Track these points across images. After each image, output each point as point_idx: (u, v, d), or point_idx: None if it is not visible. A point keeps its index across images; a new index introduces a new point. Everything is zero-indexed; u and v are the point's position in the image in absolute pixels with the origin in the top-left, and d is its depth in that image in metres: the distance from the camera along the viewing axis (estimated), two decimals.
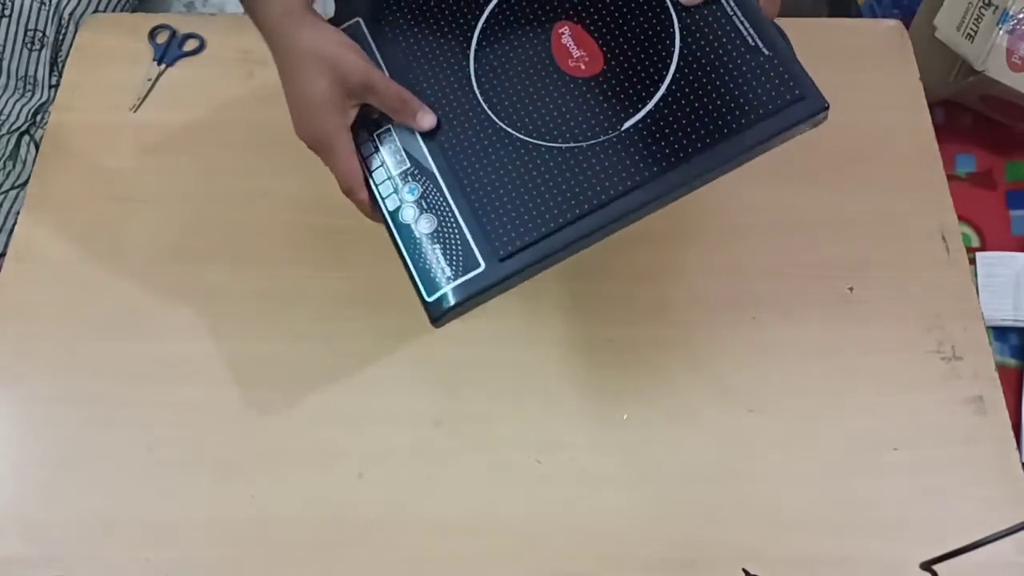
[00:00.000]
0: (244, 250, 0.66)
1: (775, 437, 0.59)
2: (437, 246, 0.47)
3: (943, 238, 0.66)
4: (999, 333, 0.89)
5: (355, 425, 0.59)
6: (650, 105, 0.46)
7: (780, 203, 0.67)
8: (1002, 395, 0.60)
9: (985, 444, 0.59)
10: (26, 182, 1.13)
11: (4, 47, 1.27)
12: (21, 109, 1.25)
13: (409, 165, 0.49)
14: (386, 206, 0.49)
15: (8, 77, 1.28)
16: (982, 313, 0.63)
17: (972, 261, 0.92)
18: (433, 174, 0.48)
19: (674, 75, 0.46)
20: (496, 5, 0.50)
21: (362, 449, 0.59)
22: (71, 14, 1.34)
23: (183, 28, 0.75)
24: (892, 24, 0.75)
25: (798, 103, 0.43)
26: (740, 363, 0.61)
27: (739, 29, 0.45)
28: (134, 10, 1.50)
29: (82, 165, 0.69)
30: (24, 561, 0.55)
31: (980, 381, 0.60)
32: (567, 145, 0.47)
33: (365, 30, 0.52)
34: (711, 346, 0.62)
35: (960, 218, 0.66)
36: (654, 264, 0.65)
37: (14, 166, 1.20)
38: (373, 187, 0.50)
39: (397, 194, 0.49)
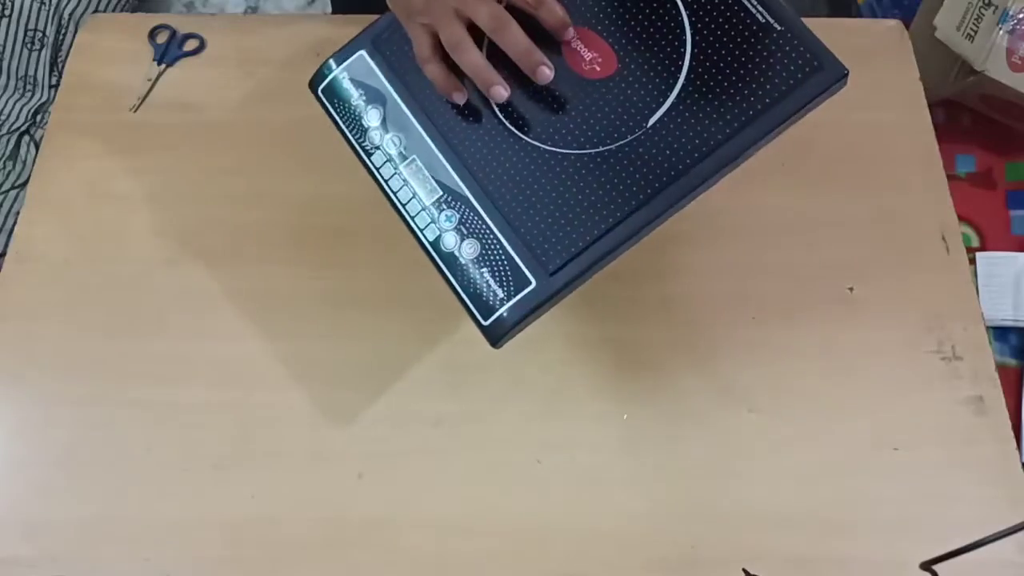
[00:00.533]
0: (244, 250, 0.66)
1: (775, 437, 0.59)
2: (484, 269, 0.47)
3: (943, 238, 0.66)
4: (999, 333, 0.89)
5: (355, 425, 0.59)
6: (672, 97, 0.45)
7: (780, 203, 0.67)
8: (1002, 395, 0.60)
9: (985, 444, 0.59)
10: (26, 182, 1.13)
11: (4, 47, 1.27)
12: (21, 109, 1.26)
13: (441, 193, 0.48)
14: (425, 237, 0.48)
15: (8, 77, 1.28)
16: (982, 313, 0.63)
17: (972, 261, 0.92)
18: (467, 198, 0.48)
19: (690, 63, 0.45)
20: None
21: (362, 449, 0.59)
22: (71, 14, 1.34)
23: (183, 28, 0.75)
24: (892, 24, 0.75)
25: (818, 74, 0.43)
26: (740, 363, 0.61)
27: (747, 8, 0.45)
28: (134, 10, 1.51)
29: (82, 165, 0.69)
30: (24, 561, 0.55)
31: (980, 381, 0.60)
32: (597, 150, 0.46)
33: (371, 62, 0.51)
34: (711, 346, 0.62)
35: (960, 218, 0.66)
36: (655, 264, 0.65)
37: (14, 166, 1.20)
38: (408, 219, 0.49)
39: (435, 223, 0.48)
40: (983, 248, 0.93)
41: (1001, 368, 0.79)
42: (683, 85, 0.45)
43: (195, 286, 0.64)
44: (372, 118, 0.51)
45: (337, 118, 0.52)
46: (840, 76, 0.43)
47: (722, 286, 0.64)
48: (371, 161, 0.50)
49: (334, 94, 0.52)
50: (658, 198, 0.45)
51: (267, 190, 0.68)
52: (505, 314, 0.46)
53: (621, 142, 0.46)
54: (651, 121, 0.46)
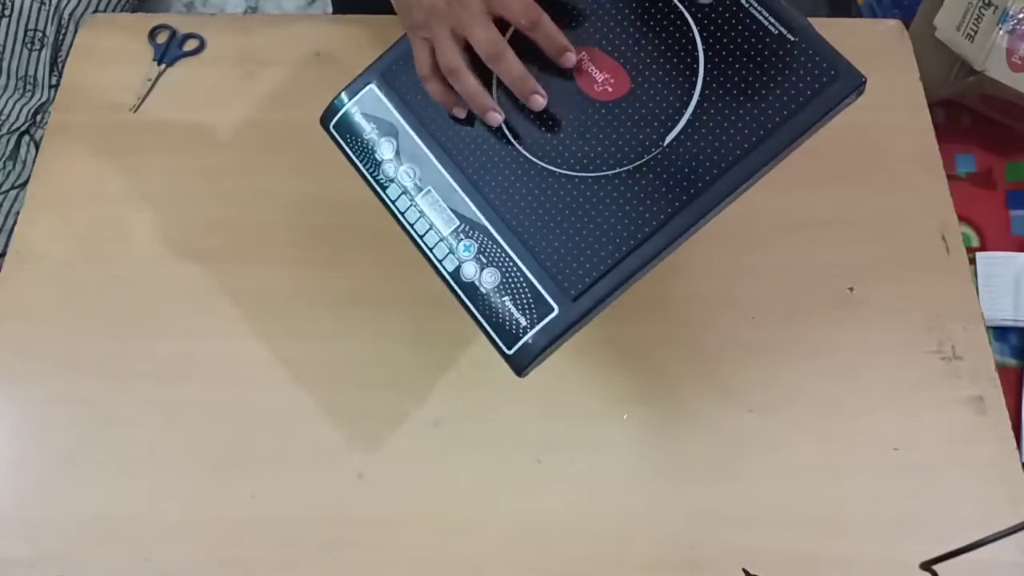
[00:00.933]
0: (244, 250, 0.66)
1: (775, 437, 0.59)
2: (506, 298, 0.46)
3: (943, 238, 0.66)
4: (999, 333, 0.89)
5: (355, 425, 0.59)
6: (687, 114, 0.45)
7: (780, 203, 0.67)
8: (1002, 395, 0.60)
9: (985, 444, 0.59)
10: (26, 182, 1.13)
11: (4, 47, 1.27)
12: (21, 109, 1.26)
13: (459, 223, 0.48)
14: (445, 268, 0.48)
15: (8, 77, 1.28)
16: (982, 313, 0.63)
17: (972, 261, 0.92)
18: (485, 227, 0.47)
19: (704, 78, 0.45)
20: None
21: (362, 449, 0.59)
22: (71, 14, 1.34)
23: (183, 28, 0.75)
24: (892, 24, 0.75)
25: (835, 83, 0.42)
26: (740, 363, 0.61)
27: (759, 20, 0.44)
28: (134, 10, 1.51)
29: (82, 165, 0.69)
30: (24, 561, 0.55)
31: (980, 381, 0.60)
32: (614, 171, 0.46)
33: (380, 95, 0.51)
34: (711, 346, 0.62)
35: (960, 218, 0.66)
36: None
37: (14, 166, 1.20)
38: (427, 251, 0.49)
39: (454, 254, 0.48)
40: (983, 248, 0.93)
41: (1001, 368, 0.79)
42: (698, 101, 0.45)
43: (196, 286, 0.64)
44: (385, 151, 0.50)
45: (350, 153, 0.51)
46: (858, 85, 0.42)
47: (722, 286, 0.64)
48: (386, 194, 0.50)
49: (346, 129, 0.51)
50: (679, 216, 0.44)
51: (267, 190, 0.68)
52: (529, 342, 0.45)
53: (639, 162, 0.45)
54: (668, 139, 0.45)
